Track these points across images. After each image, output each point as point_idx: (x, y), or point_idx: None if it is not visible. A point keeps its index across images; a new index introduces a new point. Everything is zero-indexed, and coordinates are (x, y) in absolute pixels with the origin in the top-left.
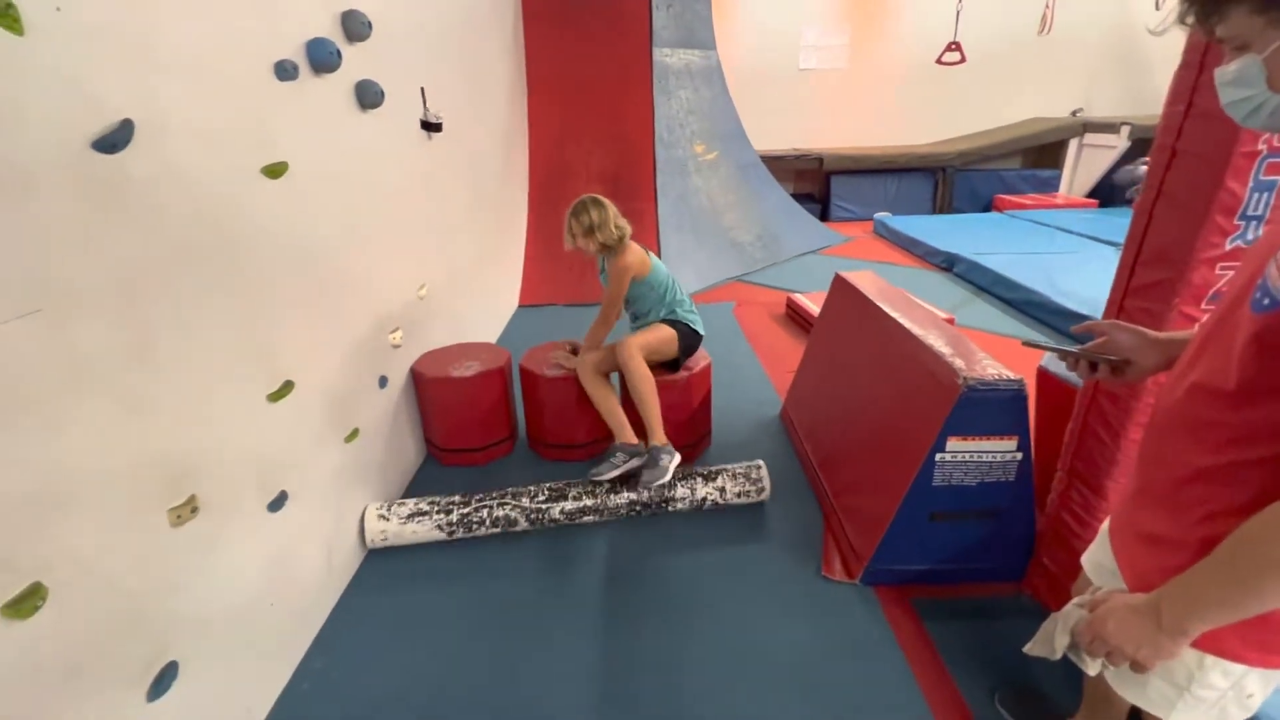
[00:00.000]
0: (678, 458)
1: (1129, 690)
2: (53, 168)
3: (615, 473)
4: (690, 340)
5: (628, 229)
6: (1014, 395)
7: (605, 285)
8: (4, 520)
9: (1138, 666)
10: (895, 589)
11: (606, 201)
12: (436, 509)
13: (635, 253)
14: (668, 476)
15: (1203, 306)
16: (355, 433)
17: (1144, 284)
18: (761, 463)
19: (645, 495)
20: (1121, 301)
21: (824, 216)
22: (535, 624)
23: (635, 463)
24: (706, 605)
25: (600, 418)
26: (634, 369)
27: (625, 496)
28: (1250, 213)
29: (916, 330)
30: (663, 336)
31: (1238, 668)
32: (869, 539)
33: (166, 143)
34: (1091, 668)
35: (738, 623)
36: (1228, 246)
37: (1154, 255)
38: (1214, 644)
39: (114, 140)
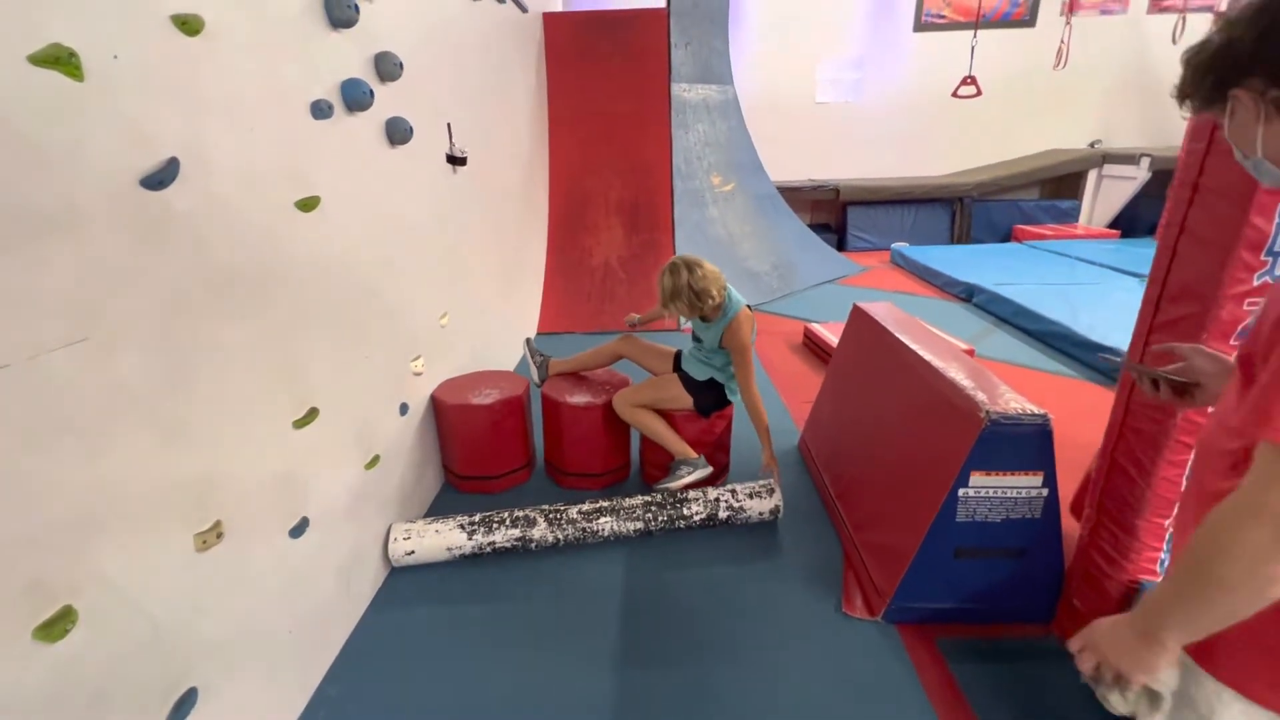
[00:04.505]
0: (701, 472)
1: None
2: (103, 203)
3: (681, 483)
4: (713, 405)
5: (724, 281)
6: (1038, 430)
7: (713, 344)
8: (41, 542)
9: (1121, 680)
10: (919, 628)
11: (692, 266)
12: (460, 515)
13: (748, 317)
14: (678, 484)
15: (1231, 342)
16: (376, 459)
17: (1170, 320)
18: (772, 481)
19: (659, 496)
20: (1147, 337)
21: (840, 246)
22: (551, 653)
23: (700, 474)
24: (724, 640)
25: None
26: (629, 418)
27: (640, 498)
28: (1278, 248)
29: (937, 362)
30: (669, 395)
31: (1259, 712)
32: (891, 575)
33: (208, 179)
34: (1112, 701)
35: (755, 659)
36: (1255, 282)
37: (1179, 291)
38: (1233, 678)
39: (161, 177)
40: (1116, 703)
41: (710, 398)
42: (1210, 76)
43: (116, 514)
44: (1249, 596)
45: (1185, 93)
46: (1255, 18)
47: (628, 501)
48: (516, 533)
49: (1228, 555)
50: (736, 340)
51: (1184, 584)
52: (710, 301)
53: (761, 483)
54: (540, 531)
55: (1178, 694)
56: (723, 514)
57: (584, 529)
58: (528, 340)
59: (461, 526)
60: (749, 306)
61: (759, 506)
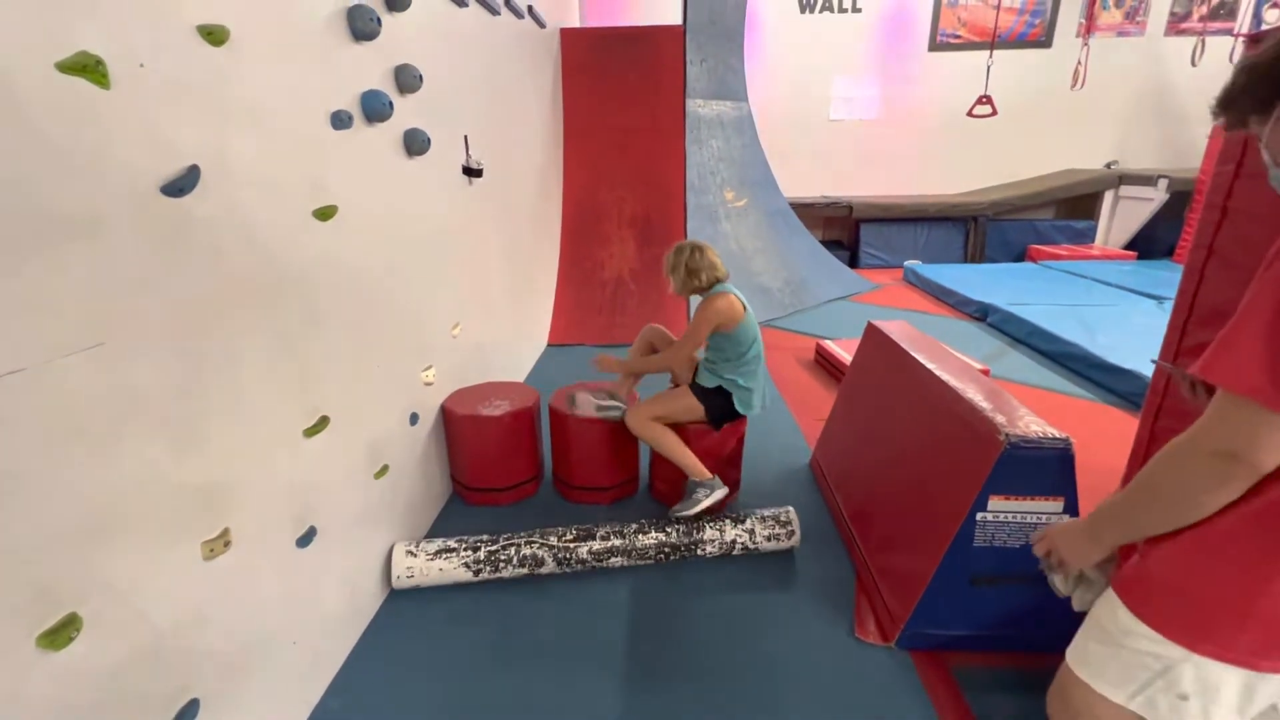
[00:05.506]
0: (718, 493)
1: (1077, 663)
2: (124, 210)
3: (698, 508)
4: (724, 415)
5: (721, 277)
6: (1060, 454)
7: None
8: (50, 548)
9: (1062, 563)
10: (934, 655)
11: (699, 250)
12: (464, 546)
13: (727, 301)
14: (695, 509)
15: None
16: (385, 469)
17: (1198, 344)
18: (791, 508)
19: (673, 536)
20: (1173, 360)
21: (853, 264)
22: (557, 675)
23: (717, 496)
24: (733, 664)
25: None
26: (647, 437)
27: (654, 538)
28: None
29: (954, 382)
30: (683, 406)
31: (1169, 649)
32: (905, 600)
33: (228, 187)
34: (1056, 584)
35: (763, 681)
36: None
37: (1208, 314)
38: (1142, 606)
39: (181, 185)
40: (1059, 584)
41: (720, 406)
42: (1269, 79)
43: (125, 520)
44: (1179, 515)
45: (1234, 98)
46: None
47: (641, 541)
48: (524, 571)
49: (1171, 481)
50: (699, 312)
51: (1130, 497)
52: (696, 282)
53: (780, 518)
54: (548, 570)
55: (1097, 625)
56: (737, 553)
57: (594, 567)
58: (610, 394)
59: (467, 565)
60: (743, 302)
61: (775, 547)
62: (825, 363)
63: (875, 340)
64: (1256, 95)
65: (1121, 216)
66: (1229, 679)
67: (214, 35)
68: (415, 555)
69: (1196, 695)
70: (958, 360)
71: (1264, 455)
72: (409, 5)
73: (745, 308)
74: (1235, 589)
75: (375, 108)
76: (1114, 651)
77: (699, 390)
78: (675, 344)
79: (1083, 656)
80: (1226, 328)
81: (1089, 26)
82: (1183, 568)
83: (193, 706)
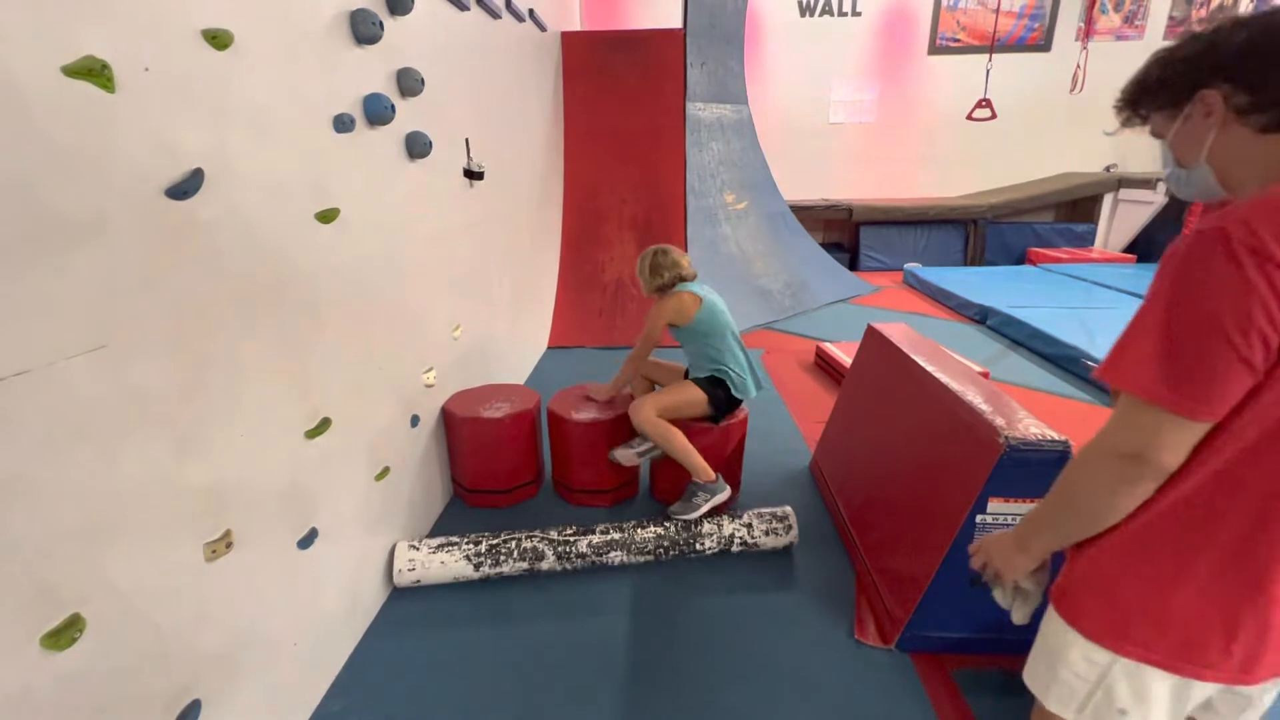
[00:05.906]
0: (718, 497)
1: (1031, 682)
2: (128, 212)
3: (698, 513)
4: (725, 405)
5: (685, 275)
6: (1059, 457)
7: (681, 339)
8: (52, 549)
9: (999, 577)
10: (934, 657)
11: (663, 252)
12: (466, 540)
13: (678, 299)
14: (696, 514)
15: None
16: (386, 471)
17: None
18: (788, 506)
19: (672, 530)
20: None
21: (853, 266)
22: (558, 676)
23: (719, 499)
24: (733, 665)
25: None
26: (651, 431)
27: (652, 531)
28: None
29: (954, 385)
30: (687, 399)
31: (1098, 654)
32: (905, 602)
33: (231, 190)
34: (996, 596)
35: (763, 684)
36: None
37: None
38: (1071, 613)
39: (185, 188)
40: (999, 597)
41: (720, 396)
42: (1187, 74)
43: (128, 522)
44: (1095, 518)
45: (1149, 90)
46: (1244, 25)
47: (639, 535)
48: (524, 565)
49: (1083, 485)
50: (650, 312)
51: (1049, 505)
52: (659, 280)
53: (777, 514)
54: (549, 564)
55: (1042, 641)
56: (735, 549)
57: (593, 561)
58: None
59: (468, 558)
60: (700, 295)
61: (774, 543)
62: (825, 365)
63: (875, 343)
64: (1172, 89)
65: (1121, 220)
66: (1159, 687)
67: (218, 39)
68: (417, 549)
69: (1134, 707)
70: (957, 363)
71: (1166, 455)
72: (411, 9)
73: (701, 300)
74: (1151, 590)
75: (377, 111)
76: (1054, 667)
77: (699, 383)
78: (635, 347)
79: (1034, 674)
80: (1123, 331)
81: (1088, 30)
82: (1103, 571)
83: (194, 708)
